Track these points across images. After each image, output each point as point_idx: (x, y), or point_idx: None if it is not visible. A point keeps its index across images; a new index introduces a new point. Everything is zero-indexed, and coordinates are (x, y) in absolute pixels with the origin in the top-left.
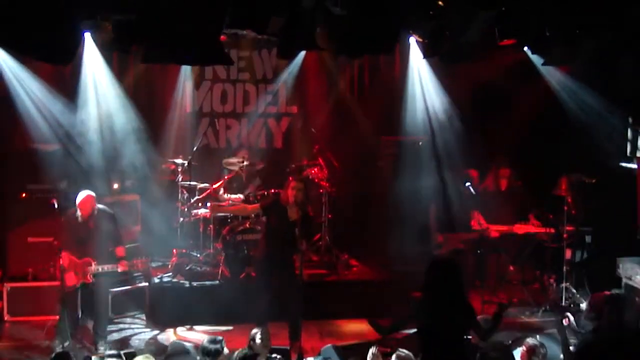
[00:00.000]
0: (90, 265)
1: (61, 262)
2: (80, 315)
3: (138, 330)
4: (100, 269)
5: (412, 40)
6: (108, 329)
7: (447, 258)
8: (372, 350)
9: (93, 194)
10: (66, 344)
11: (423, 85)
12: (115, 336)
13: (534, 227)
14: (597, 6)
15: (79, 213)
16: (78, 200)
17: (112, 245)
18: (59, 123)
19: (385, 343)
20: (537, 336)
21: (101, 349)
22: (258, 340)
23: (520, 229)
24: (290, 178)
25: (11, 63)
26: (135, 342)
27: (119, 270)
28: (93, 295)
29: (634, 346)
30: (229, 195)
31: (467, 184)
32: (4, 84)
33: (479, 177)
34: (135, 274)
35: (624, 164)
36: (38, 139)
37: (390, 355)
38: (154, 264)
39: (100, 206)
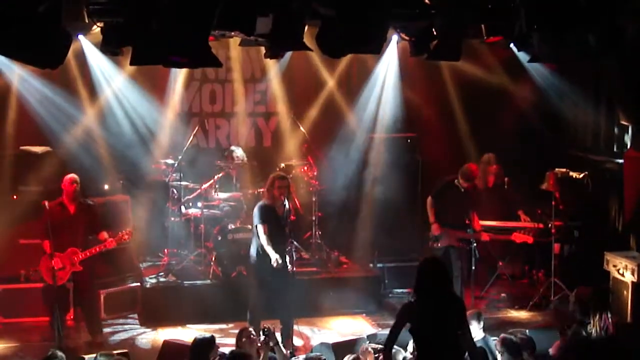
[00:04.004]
0: (76, 253)
1: (44, 249)
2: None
3: (130, 331)
4: (88, 253)
5: (394, 38)
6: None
7: (434, 258)
8: (364, 346)
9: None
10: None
11: (389, 83)
12: (108, 336)
13: (531, 238)
14: (581, 3)
15: (62, 196)
16: (64, 179)
17: (94, 232)
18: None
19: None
20: (527, 331)
21: None
22: (244, 339)
23: (518, 237)
24: (272, 178)
25: (9, 63)
26: (128, 342)
27: (108, 247)
28: (80, 285)
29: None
30: (219, 194)
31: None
32: (1, 83)
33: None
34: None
35: (611, 159)
36: (46, 139)
37: (382, 351)
38: (145, 264)
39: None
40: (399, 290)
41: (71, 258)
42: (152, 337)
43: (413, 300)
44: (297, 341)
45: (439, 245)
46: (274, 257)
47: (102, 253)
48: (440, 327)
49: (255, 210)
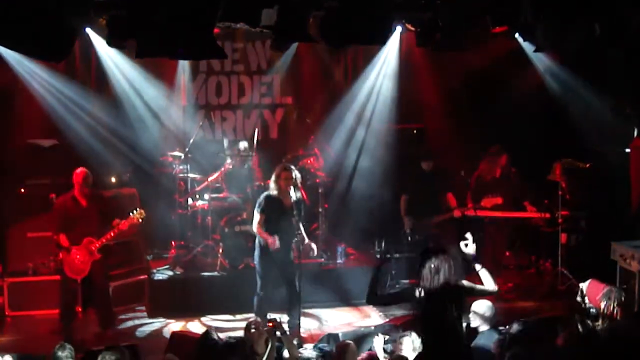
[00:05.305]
0: (92, 242)
1: (61, 244)
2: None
3: (138, 323)
4: (104, 240)
5: (398, 29)
6: None
7: (438, 247)
8: (377, 338)
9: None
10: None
11: (394, 74)
12: (117, 329)
13: (500, 199)
14: None
15: (74, 190)
16: (75, 174)
17: (108, 221)
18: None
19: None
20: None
21: None
22: (253, 330)
23: (489, 202)
24: (279, 169)
25: (16, 55)
26: (136, 334)
27: (122, 228)
28: (93, 277)
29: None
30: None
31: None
32: (9, 77)
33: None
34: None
35: (617, 149)
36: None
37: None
38: (153, 257)
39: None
40: (406, 281)
41: (88, 248)
42: (160, 328)
43: (418, 289)
44: (305, 331)
45: (417, 237)
46: (269, 239)
47: (111, 246)
48: (444, 314)
49: (258, 199)
